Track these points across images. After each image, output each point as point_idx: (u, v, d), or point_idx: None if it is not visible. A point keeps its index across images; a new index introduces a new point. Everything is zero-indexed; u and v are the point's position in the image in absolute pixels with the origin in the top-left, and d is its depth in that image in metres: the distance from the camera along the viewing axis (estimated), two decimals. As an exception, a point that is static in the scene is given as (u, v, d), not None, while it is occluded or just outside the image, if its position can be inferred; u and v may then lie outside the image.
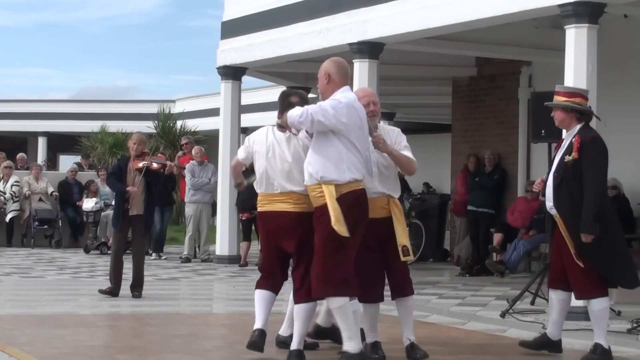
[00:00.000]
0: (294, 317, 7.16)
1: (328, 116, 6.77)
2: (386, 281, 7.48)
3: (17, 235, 19.53)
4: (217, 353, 7.39)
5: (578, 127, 7.72)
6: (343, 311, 6.79)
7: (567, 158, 7.62)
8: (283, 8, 14.60)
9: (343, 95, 6.94)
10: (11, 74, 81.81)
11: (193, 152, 16.94)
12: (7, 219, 19.36)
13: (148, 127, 26.41)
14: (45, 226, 19.53)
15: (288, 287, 7.40)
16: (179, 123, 28.28)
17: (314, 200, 6.92)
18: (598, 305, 7.53)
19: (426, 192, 21.14)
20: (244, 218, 15.69)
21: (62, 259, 16.80)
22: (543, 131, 10.70)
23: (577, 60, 9.76)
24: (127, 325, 9.18)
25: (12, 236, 19.46)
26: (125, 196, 11.05)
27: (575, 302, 9.51)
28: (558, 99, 7.85)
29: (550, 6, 10.19)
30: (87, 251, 18.18)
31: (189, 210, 16.67)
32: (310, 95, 18.95)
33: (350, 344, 6.82)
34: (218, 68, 16.21)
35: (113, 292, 11.14)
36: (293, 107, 7.05)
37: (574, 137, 7.66)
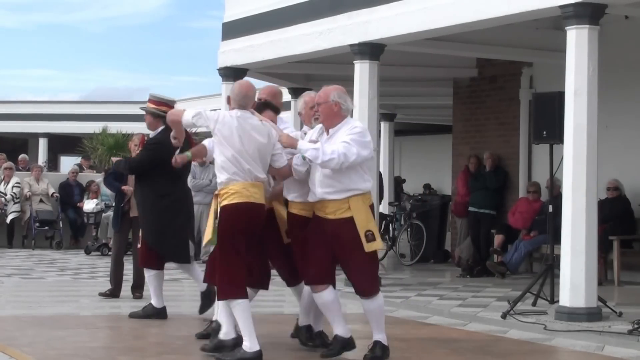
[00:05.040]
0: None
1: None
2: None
3: (17, 236, 19.54)
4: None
5: (160, 129, 9.56)
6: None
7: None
8: (284, 9, 14.58)
9: None
10: (15, 75, 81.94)
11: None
12: (8, 220, 19.38)
13: (149, 128, 26.37)
14: (46, 227, 19.53)
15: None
16: (179, 124, 28.23)
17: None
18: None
19: (427, 193, 21.13)
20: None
21: (62, 260, 16.81)
22: (544, 132, 10.70)
23: (578, 61, 9.75)
24: (128, 327, 9.17)
25: (13, 237, 19.48)
26: (125, 198, 11.04)
27: (578, 303, 9.56)
28: (149, 105, 9.78)
29: (551, 7, 10.17)
30: (87, 252, 18.18)
31: (189, 211, 16.65)
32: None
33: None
34: (219, 69, 16.18)
35: (114, 293, 11.15)
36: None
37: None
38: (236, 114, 7.32)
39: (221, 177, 7.29)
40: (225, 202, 7.23)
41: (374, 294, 7.23)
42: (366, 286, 7.21)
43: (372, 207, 7.35)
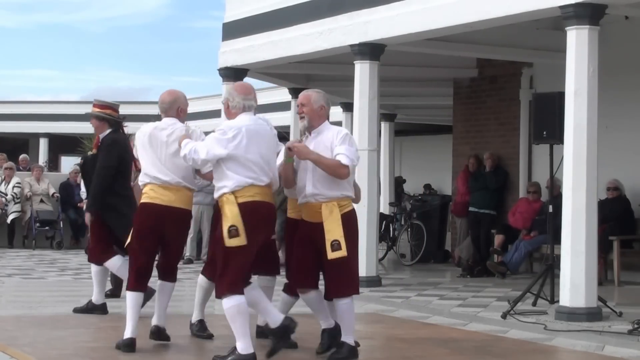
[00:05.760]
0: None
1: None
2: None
3: (18, 236, 19.55)
4: (219, 354, 7.38)
5: (108, 131, 9.75)
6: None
7: (90, 153, 10.20)
8: (284, 9, 14.59)
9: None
10: (15, 75, 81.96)
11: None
12: (9, 220, 19.39)
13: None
14: (47, 227, 19.54)
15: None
16: (180, 124, 28.24)
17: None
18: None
19: (427, 193, 21.12)
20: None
21: (63, 260, 16.82)
22: (544, 132, 10.71)
23: (578, 61, 9.76)
24: (129, 327, 9.17)
25: (14, 237, 19.49)
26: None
27: (578, 303, 9.56)
28: (94, 109, 9.93)
29: (551, 7, 10.19)
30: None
31: (190, 211, 16.66)
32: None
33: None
34: (219, 69, 16.19)
35: (114, 293, 11.15)
36: None
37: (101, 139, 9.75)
38: (153, 124, 7.81)
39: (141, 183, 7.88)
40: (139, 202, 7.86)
41: (222, 294, 6.93)
42: (217, 283, 7.01)
43: (250, 204, 7.00)
